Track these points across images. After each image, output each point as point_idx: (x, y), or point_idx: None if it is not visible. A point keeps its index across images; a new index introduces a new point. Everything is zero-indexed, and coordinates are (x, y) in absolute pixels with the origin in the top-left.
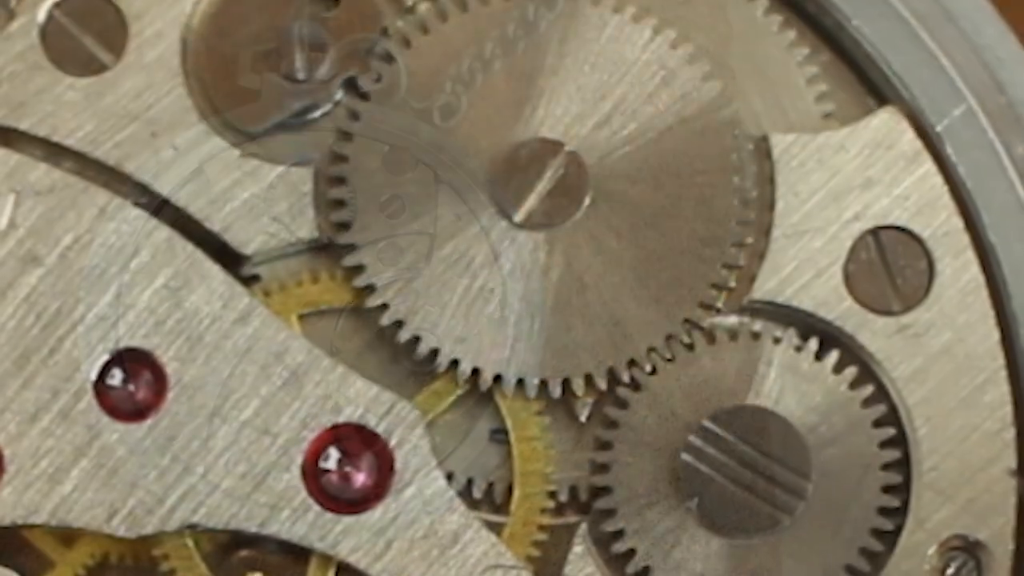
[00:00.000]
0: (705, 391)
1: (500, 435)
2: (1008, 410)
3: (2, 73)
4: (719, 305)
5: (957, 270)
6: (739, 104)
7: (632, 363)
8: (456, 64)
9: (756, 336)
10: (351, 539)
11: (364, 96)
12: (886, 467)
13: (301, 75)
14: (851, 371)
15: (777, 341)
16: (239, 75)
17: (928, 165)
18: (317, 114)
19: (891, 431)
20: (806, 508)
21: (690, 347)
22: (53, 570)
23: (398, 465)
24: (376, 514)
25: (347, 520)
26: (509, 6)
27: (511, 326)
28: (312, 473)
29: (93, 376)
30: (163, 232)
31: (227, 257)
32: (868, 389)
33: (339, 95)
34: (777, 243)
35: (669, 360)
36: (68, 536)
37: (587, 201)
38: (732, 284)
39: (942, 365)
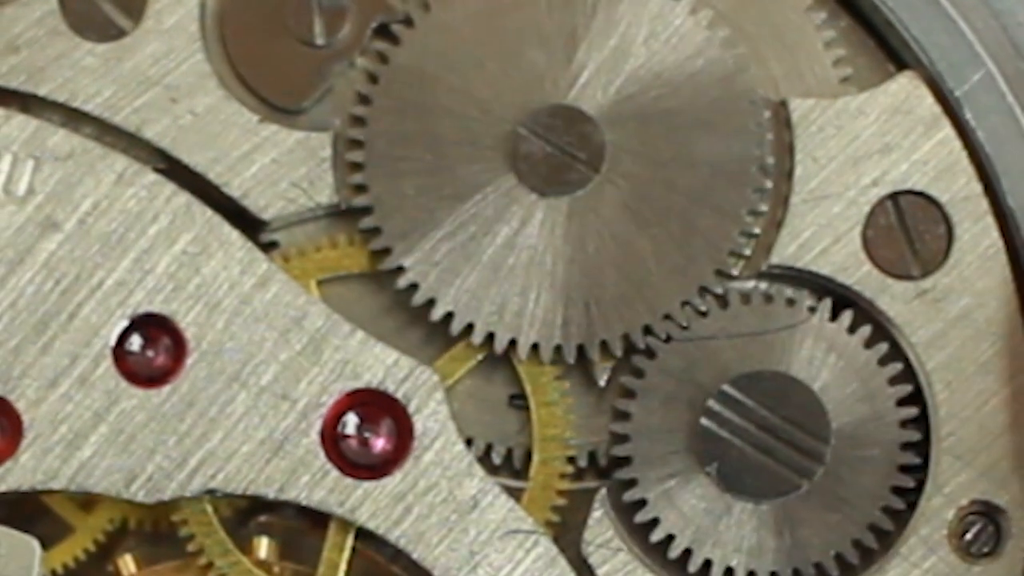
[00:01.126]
0: (723, 356)
1: (519, 400)
2: None
3: (21, 39)
4: (735, 272)
5: (976, 235)
6: (757, 69)
7: (648, 330)
8: (475, 28)
9: (770, 299)
10: (370, 504)
11: (383, 59)
12: (904, 424)
13: (320, 40)
14: (866, 330)
15: (791, 304)
16: (258, 41)
17: (947, 130)
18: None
19: (908, 388)
20: (826, 470)
21: (705, 314)
22: (72, 536)
23: (417, 430)
24: (395, 479)
25: (366, 485)
26: None
27: (527, 291)
28: (331, 438)
29: (112, 342)
30: (182, 198)
31: (246, 223)
32: (883, 347)
33: (358, 59)
34: (795, 208)
35: (684, 327)
36: (87, 501)
37: (605, 167)
38: (748, 251)
39: (961, 329)
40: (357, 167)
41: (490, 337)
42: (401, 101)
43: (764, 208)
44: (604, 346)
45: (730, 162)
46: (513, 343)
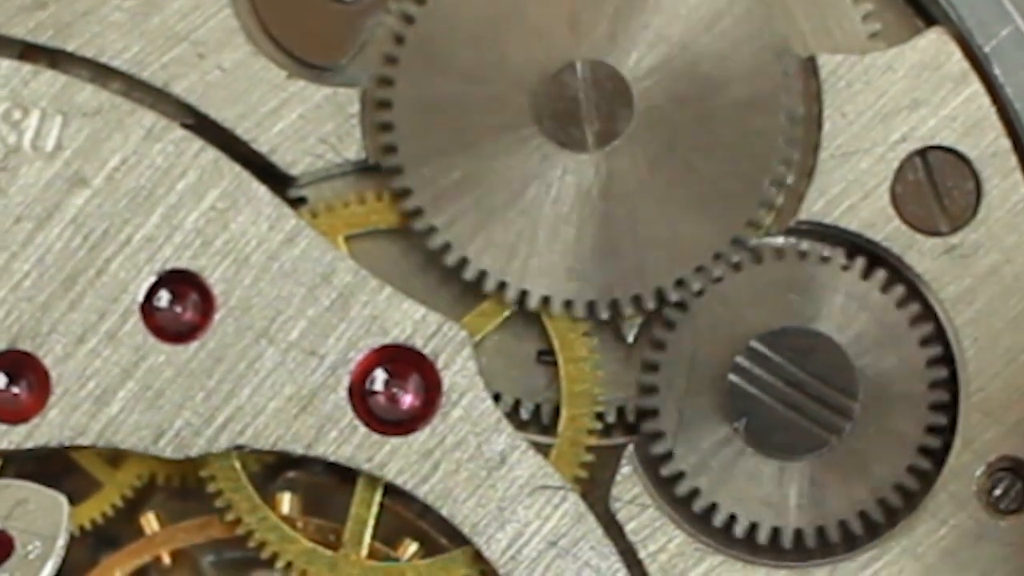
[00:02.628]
0: (752, 312)
1: (547, 356)
2: None
3: None
4: (766, 224)
5: (1005, 191)
6: (786, 25)
7: (680, 283)
8: None
9: (803, 256)
10: (398, 460)
11: (409, 19)
12: (933, 385)
13: None
14: (898, 290)
15: (824, 261)
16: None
17: (976, 86)
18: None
19: (938, 349)
20: (853, 428)
21: (737, 267)
22: (100, 491)
23: (445, 386)
24: (423, 435)
25: (394, 441)
26: None
27: (559, 247)
28: (359, 394)
29: (140, 297)
30: (210, 153)
31: (274, 178)
32: (915, 308)
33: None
34: (824, 164)
35: (717, 280)
36: (115, 457)
37: (634, 122)
38: (779, 203)
39: (990, 286)
40: (386, 127)
41: (523, 294)
42: (428, 61)
43: (795, 159)
44: (636, 300)
45: (759, 117)
46: (547, 300)
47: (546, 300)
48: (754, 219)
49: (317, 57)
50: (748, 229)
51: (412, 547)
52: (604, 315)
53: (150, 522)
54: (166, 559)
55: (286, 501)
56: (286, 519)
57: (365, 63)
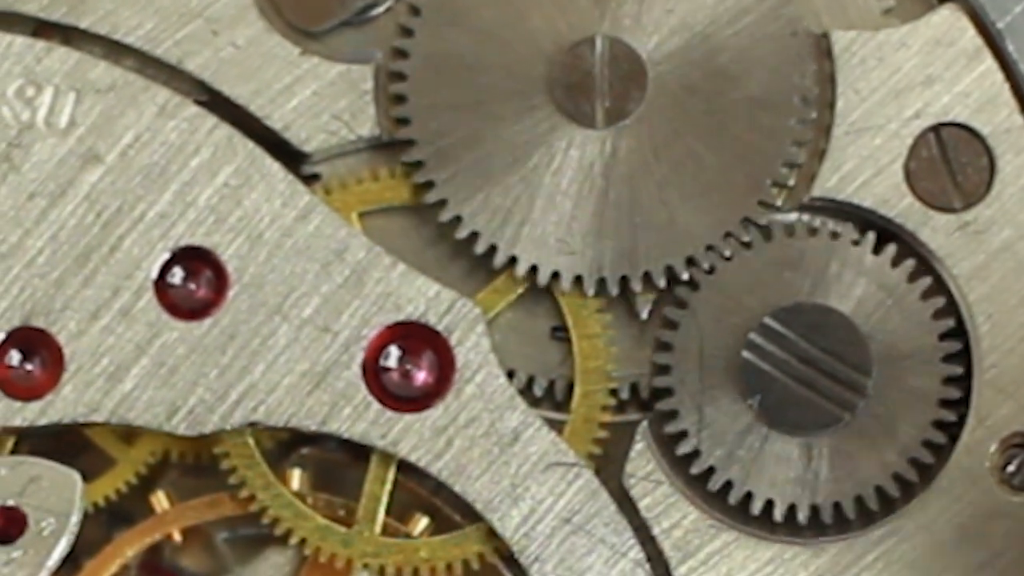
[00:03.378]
0: (764, 289)
1: (561, 333)
2: None
3: None
4: (778, 203)
5: (1018, 167)
6: (800, 1)
7: (691, 261)
8: None
9: (813, 232)
10: (412, 437)
11: None
12: (946, 359)
13: None
14: (909, 264)
15: (835, 237)
16: None
17: (989, 62)
18: (379, 11)
19: (950, 323)
20: (867, 404)
21: (747, 245)
22: (114, 468)
23: (459, 363)
24: (437, 412)
25: (408, 418)
26: None
27: (569, 223)
28: (373, 371)
29: (154, 274)
30: (223, 130)
31: (287, 155)
32: (926, 282)
33: None
34: (838, 141)
35: (727, 259)
36: (129, 434)
37: (647, 99)
38: (791, 182)
39: (1003, 262)
40: (399, 99)
41: (533, 269)
42: (442, 33)
43: (807, 139)
44: (647, 277)
45: (773, 94)
46: (556, 275)
47: (555, 275)
48: (765, 199)
49: (305, 22)
50: (759, 208)
51: (423, 521)
52: (614, 291)
53: (160, 500)
54: (179, 536)
55: (296, 477)
56: (300, 495)
57: (378, 39)
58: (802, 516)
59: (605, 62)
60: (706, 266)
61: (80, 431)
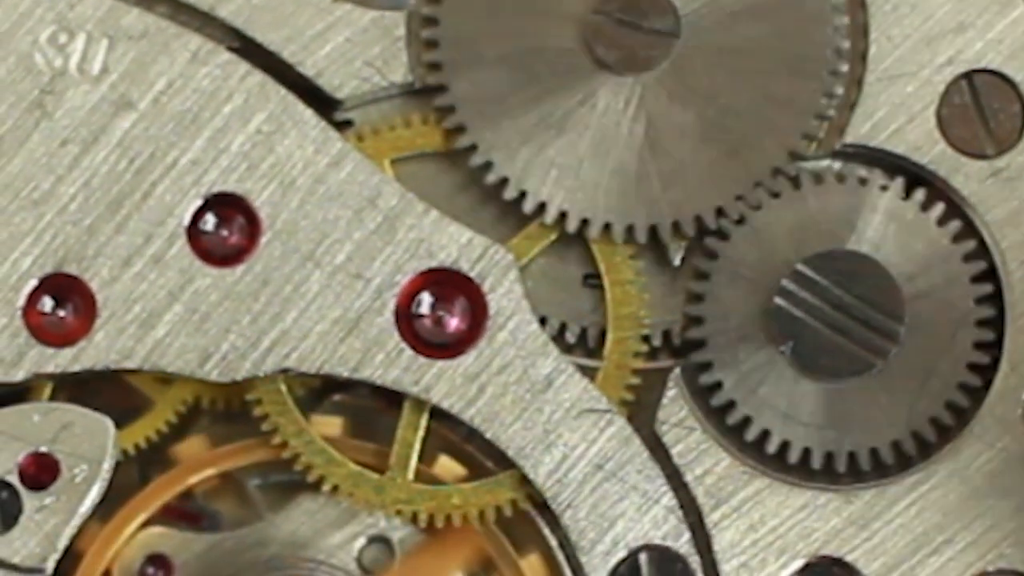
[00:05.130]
0: (795, 237)
1: (593, 279)
2: None
3: None
4: (808, 154)
5: None
6: None
7: (720, 212)
8: None
9: (842, 178)
10: (444, 384)
11: None
12: (980, 324)
13: None
14: (939, 208)
15: (863, 183)
16: None
17: (1022, 8)
18: None
19: (988, 288)
20: (897, 354)
21: (776, 195)
22: (146, 415)
23: (491, 309)
24: (469, 358)
25: (440, 364)
26: None
27: (600, 170)
28: (405, 317)
29: (186, 221)
30: (256, 77)
31: (320, 102)
32: (956, 225)
33: None
34: (870, 88)
35: (757, 208)
36: (160, 381)
37: (679, 48)
38: (822, 133)
39: None
40: (432, 44)
41: (563, 216)
42: None
43: (838, 90)
44: (676, 227)
45: (805, 46)
46: (586, 222)
47: (585, 222)
48: (796, 149)
49: None
50: (790, 159)
51: (443, 460)
52: (642, 240)
53: (194, 446)
54: (212, 482)
55: (333, 425)
56: (333, 442)
57: None
58: (835, 463)
59: (639, 9)
60: (736, 216)
61: (112, 377)
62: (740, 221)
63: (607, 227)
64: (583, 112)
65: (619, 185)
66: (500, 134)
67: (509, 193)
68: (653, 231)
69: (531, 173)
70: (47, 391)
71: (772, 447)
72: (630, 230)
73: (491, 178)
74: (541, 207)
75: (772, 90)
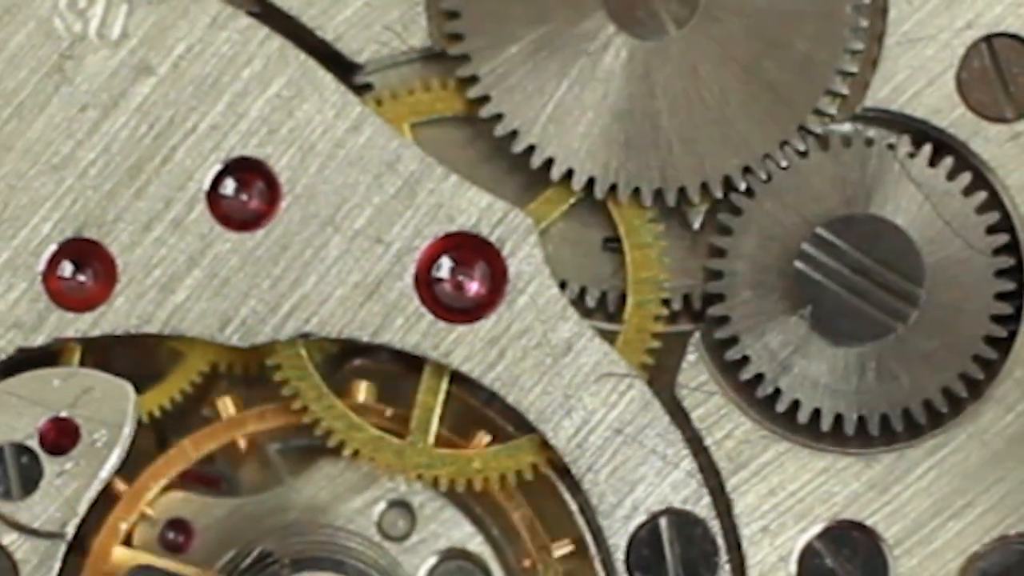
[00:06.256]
0: (818, 198)
1: (613, 243)
2: None
3: None
4: (832, 112)
5: None
6: None
7: (747, 170)
8: None
9: (870, 143)
10: (464, 348)
11: None
12: (999, 274)
13: None
14: (964, 178)
15: (891, 148)
16: None
17: None
18: None
19: (1004, 238)
20: (919, 315)
21: (804, 154)
22: (166, 380)
23: (511, 274)
24: (489, 323)
25: (460, 329)
26: None
27: (627, 134)
28: (425, 282)
29: (206, 185)
30: (275, 41)
31: (339, 66)
32: (981, 196)
33: None
34: (890, 51)
35: (784, 168)
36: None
37: (702, 8)
38: (845, 91)
39: None
40: (453, 14)
41: (590, 182)
42: None
43: (861, 47)
44: (704, 188)
45: (826, 3)
46: (613, 187)
47: (613, 188)
48: (820, 107)
49: None
50: (814, 117)
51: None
52: (672, 202)
53: (227, 406)
54: (241, 443)
55: (362, 390)
56: (359, 408)
57: None
58: (862, 427)
59: None
60: (762, 175)
61: (133, 342)
62: (768, 179)
63: (635, 192)
64: (608, 76)
65: (646, 149)
66: (525, 102)
67: (535, 160)
68: (681, 193)
69: (556, 139)
70: (76, 356)
71: (783, 406)
72: (658, 194)
73: (517, 146)
74: (569, 173)
75: (795, 48)
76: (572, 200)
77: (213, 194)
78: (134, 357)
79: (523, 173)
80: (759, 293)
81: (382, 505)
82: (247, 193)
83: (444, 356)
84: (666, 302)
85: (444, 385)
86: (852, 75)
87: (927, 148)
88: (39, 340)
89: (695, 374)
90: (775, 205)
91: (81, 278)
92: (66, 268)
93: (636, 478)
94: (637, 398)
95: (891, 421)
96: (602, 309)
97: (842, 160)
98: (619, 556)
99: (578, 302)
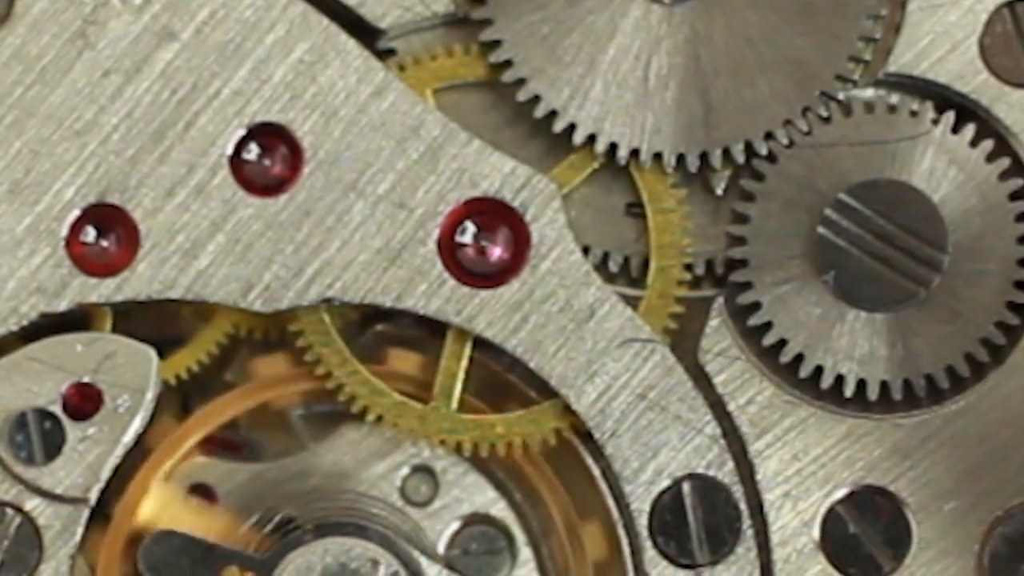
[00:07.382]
0: (842, 164)
1: (636, 208)
2: None
3: None
4: (855, 77)
5: None
6: None
7: (769, 136)
8: None
9: (893, 109)
10: (487, 313)
11: None
12: (1022, 240)
13: None
14: (987, 145)
15: (914, 114)
16: None
17: None
18: None
19: None
20: (942, 281)
21: (827, 120)
22: (189, 345)
23: (534, 239)
24: (512, 288)
25: (483, 294)
26: None
27: (649, 99)
28: (448, 247)
29: (229, 150)
30: (298, 6)
31: (362, 31)
32: (1005, 163)
33: None
34: (913, 16)
35: (806, 133)
36: (204, 311)
37: None
38: (868, 57)
39: None
40: None
41: (613, 147)
42: None
43: (884, 12)
44: (727, 153)
45: None
46: (635, 152)
47: (636, 153)
48: (842, 73)
49: None
50: (837, 83)
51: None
52: (694, 168)
53: (276, 363)
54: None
55: (403, 358)
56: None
57: None
58: (875, 392)
59: None
60: (785, 140)
61: (156, 307)
62: (790, 144)
63: (657, 157)
64: (630, 43)
65: (668, 114)
66: (548, 67)
67: (558, 126)
68: (704, 159)
69: (579, 105)
70: (107, 322)
71: (805, 372)
72: (681, 159)
73: (540, 111)
74: (591, 139)
75: (816, 12)
76: (595, 165)
77: (236, 159)
78: (156, 322)
79: (546, 138)
80: (782, 259)
81: (405, 470)
82: (270, 158)
83: (467, 321)
84: (689, 267)
85: (467, 350)
86: (875, 40)
87: (950, 114)
88: (62, 305)
89: (718, 339)
90: (798, 171)
91: (104, 243)
92: (89, 233)
93: (659, 443)
94: (660, 363)
95: (914, 386)
96: (625, 274)
97: (865, 126)
98: (642, 521)
99: (601, 267)
